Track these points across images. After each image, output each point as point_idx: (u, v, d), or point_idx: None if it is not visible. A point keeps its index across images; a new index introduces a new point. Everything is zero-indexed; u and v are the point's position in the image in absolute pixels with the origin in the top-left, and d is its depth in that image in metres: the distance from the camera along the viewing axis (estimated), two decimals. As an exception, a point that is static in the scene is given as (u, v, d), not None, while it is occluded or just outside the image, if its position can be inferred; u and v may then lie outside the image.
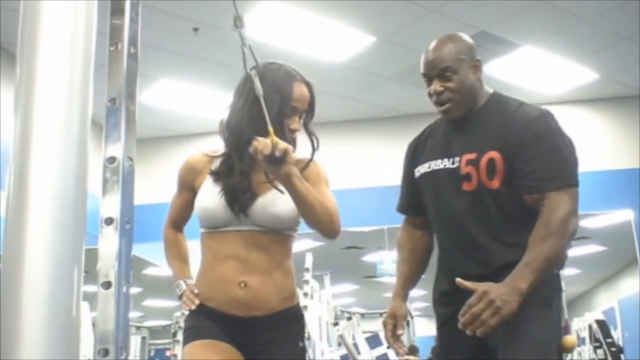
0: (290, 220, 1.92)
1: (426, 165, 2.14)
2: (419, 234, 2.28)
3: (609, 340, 8.75)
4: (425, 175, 2.15)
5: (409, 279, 2.27)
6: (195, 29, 5.64)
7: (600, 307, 10.80)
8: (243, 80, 1.95)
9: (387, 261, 8.07)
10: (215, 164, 1.99)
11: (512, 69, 6.51)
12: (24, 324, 0.73)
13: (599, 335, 8.80)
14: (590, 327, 9.32)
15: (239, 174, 1.92)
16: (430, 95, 2.10)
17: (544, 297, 1.96)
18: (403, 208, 2.32)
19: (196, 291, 1.96)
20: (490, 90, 2.15)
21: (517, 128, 1.99)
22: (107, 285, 0.86)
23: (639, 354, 8.30)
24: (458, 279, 1.90)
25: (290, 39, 5.91)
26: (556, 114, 2.07)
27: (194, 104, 7.11)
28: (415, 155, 2.23)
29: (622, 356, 8.75)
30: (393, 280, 2.33)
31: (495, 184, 1.99)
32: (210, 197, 1.94)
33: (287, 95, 1.91)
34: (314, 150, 2.00)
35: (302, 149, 1.99)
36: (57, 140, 0.79)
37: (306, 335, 2.03)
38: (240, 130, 1.90)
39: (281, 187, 1.88)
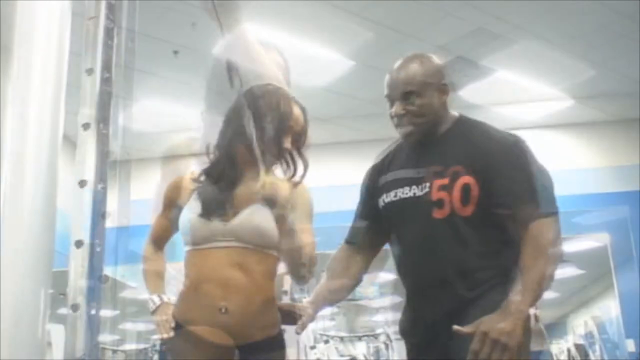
0: (273, 236, 1.91)
1: (392, 193, 2.03)
2: (358, 258, 2.16)
3: (587, 364, 8.78)
4: (391, 204, 2.03)
5: (331, 294, 2.12)
6: (175, 52, 5.66)
7: (579, 331, 10.85)
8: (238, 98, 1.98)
9: (365, 284, 8.05)
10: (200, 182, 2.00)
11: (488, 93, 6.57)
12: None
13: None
14: (569, 350, 9.34)
15: (226, 181, 1.93)
16: (391, 117, 2.02)
17: None
18: (354, 238, 2.18)
19: (172, 323, 1.93)
20: (456, 114, 2.07)
21: (491, 152, 1.92)
22: (75, 307, 0.87)
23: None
24: (455, 327, 1.77)
25: (271, 63, 5.93)
26: (535, 137, 2.02)
27: (174, 125, 7.09)
28: (377, 183, 2.11)
29: (600, 380, 8.78)
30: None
31: (468, 210, 1.90)
32: (193, 212, 1.94)
33: (286, 113, 1.93)
34: (303, 173, 2.04)
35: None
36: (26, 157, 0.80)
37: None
38: (237, 140, 1.92)
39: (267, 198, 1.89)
